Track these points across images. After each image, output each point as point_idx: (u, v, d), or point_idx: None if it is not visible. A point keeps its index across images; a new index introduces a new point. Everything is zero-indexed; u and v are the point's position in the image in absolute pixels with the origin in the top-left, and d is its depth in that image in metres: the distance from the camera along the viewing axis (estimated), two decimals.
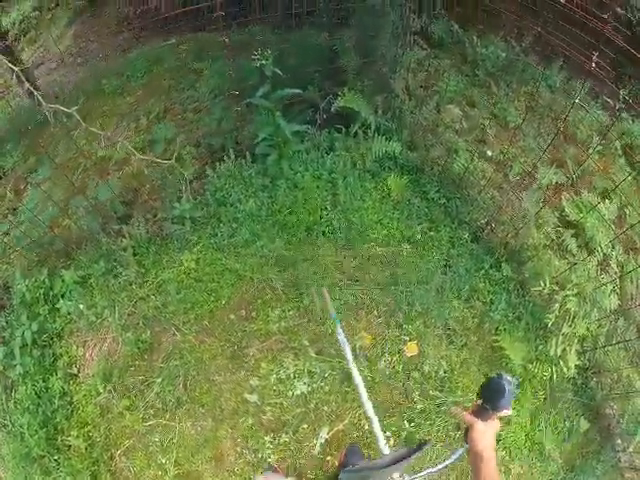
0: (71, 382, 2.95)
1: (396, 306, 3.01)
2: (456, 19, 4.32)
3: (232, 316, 3.02)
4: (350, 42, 3.21)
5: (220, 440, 2.70)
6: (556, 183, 3.69)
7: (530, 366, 2.88)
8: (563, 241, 3.41)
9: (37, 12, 7.95)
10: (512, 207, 3.37)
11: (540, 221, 3.40)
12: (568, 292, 2.97)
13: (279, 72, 2.61)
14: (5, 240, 3.67)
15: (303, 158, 3.19)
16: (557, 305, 2.92)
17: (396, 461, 1.27)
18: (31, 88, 2.82)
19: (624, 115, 4.33)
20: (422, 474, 1.34)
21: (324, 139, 3.27)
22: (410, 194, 3.31)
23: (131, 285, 3.22)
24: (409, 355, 2.91)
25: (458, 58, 4.35)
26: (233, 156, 3.16)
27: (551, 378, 2.85)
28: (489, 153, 3.34)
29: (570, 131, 4.17)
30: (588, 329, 2.95)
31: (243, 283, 3.12)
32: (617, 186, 3.34)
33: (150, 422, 2.77)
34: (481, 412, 1.25)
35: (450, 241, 3.24)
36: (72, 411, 2.85)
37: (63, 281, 3.19)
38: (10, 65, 2.74)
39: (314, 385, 2.79)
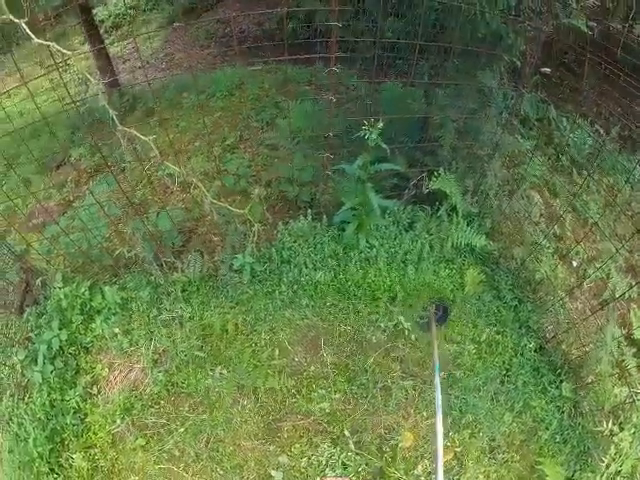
0: (88, 401, 2.53)
1: (447, 411, 2.43)
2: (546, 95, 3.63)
3: (275, 384, 2.50)
4: (448, 114, 2.58)
5: None
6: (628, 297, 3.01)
7: None
8: (623, 360, 2.78)
9: (132, 10, 7.49)
10: (583, 321, 2.71)
11: (604, 333, 2.76)
12: (626, 433, 2.40)
13: (385, 147, 2.02)
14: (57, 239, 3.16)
15: (381, 233, 2.61)
16: (613, 447, 2.36)
17: None
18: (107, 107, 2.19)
19: None
20: None
21: (406, 216, 2.66)
22: (482, 289, 2.70)
23: (173, 321, 2.75)
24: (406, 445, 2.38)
25: (543, 138, 3.67)
26: (310, 218, 2.58)
27: None
28: (574, 264, 2.70)
29: None
30: (633, 465, 2.37)
31: (292, 350, 2.60)
32: None
33: (162, 466, 2.32)
34: None
35: (514, 348, 2.66)
36: (83, 431, 2.42)
37: (104, 297, 2.77)
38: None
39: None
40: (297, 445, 2.34)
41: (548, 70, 3.61)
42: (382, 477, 2.29)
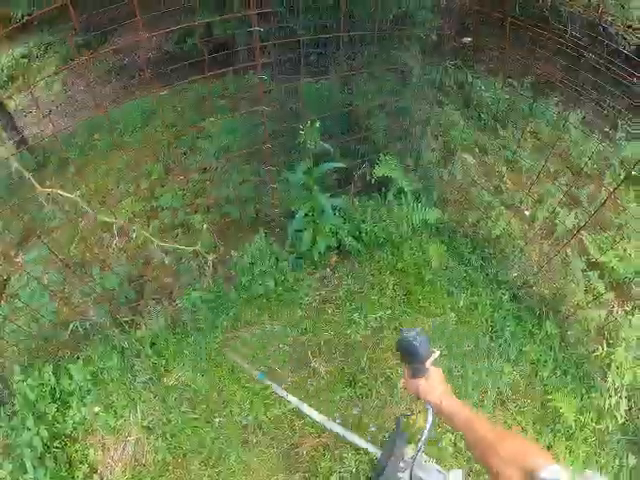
0: None
1: (450, 381, 2.47)
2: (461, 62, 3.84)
3: (277, 411, 2.41)
4: (374, 100, 2.65)
5: None
6: (577, 226, 3.29)
7: (580, 417, 2.52)
8: (591, 284, 3.04)
9: (26, 59, 6.95)
10: (546, 263, 2.91)
11: (572, 267, 3.00)
12: (618, 348, 2.63)
13: (329, 147, 2.02)
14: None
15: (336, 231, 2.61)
16: (613, 366, 2.57)
17: (390, 454, 1.19)
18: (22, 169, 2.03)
19: (622, 142, 3.97)
20: (418, 452, 1.18)
21: (356, 209, 2.69)
22: (446, 258, 2.81)
23: (152, 380, 2.59)
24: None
25: (460, 102, 3.88)
26: (263, 235, 2.53)
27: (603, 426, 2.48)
28: (526, 213, 2.88)
29: (577, 166, 3.79)
30: (634, 375, 2.59)
31: (282, 372, 2.53)
32: None
33: None
34: (416, 372, 1.17)
35: (492, 304, 2.78)
36: None
37: (71, 377, 2.53)
38: None
39: None
40: (322, 464, 2.26)
41: (469, 40, 3.80)
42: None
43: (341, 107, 2.83)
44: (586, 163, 3.66)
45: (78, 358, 2.62)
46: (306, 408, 2.29)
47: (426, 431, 1.15)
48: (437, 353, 1.17)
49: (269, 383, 2.39)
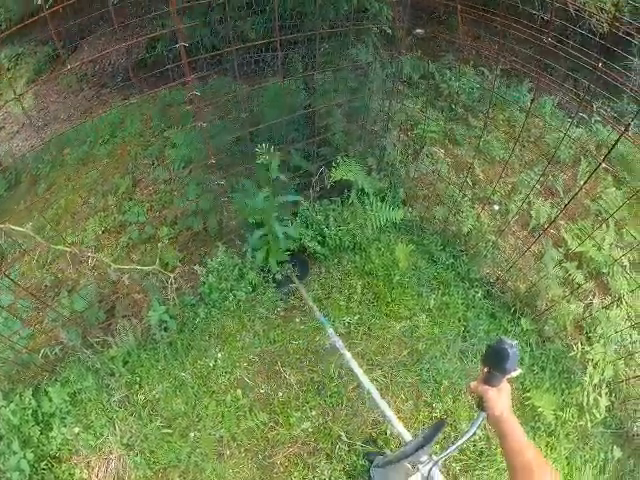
0: None
1: (422, 385, 2.51)
2: (422, 53, 3.79)
3: (250, 423, 2.44)
4: (333, 100, 2.62)
5: None
6: (554, 217, 3.26)
7: (561, 413, 2.51)
8: (569, 275, 3.03)
9: None
10: (520, 257, 2.89)
11: (544, 262, 2.97)
12: (596, 344, 2.63)
13: (284, 179, 2.01)
14: None
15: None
16: (590, 366, 2.56)
17: (420, 446, 1.18)
18: None
19: (598, 127, 3.94)
20: (448, 451, 1.22)
21: (317, 213, 2.66)
22: (416, 258, 2.78)
23: (127, 398, 2.61)
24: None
25: (430, 94, 3.84)
26: (223, 249, 2.51)
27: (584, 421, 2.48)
28: (496, 207, 2.85)
29: (552, 153, 3.74)
30: (614, 369, 2.61)
31: (254, 383, 2.54)
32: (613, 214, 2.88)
33: None
34: (491, 379, 1.17)
35: (464, 303, 2.76)
36: None
37: (51, 400, 2.57)
38: None
39: None
40: (295, 473, 2.30)
41: (421, 31, 3.74)
42: None
43: (302, 108, 2.81)
44: (560, 149, 3.62)
45: (56, 380, 2.66)
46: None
47: (470, 433, 1.18)
48: (519, 371, 1.18)
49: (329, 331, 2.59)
